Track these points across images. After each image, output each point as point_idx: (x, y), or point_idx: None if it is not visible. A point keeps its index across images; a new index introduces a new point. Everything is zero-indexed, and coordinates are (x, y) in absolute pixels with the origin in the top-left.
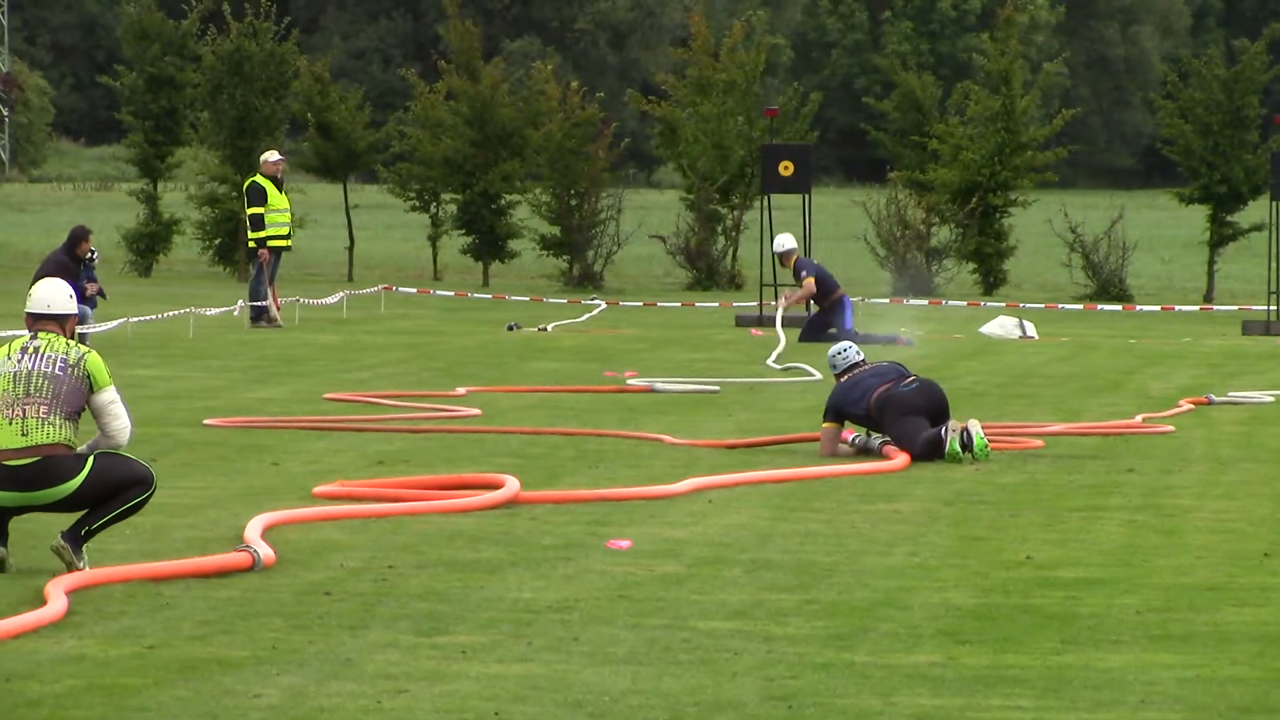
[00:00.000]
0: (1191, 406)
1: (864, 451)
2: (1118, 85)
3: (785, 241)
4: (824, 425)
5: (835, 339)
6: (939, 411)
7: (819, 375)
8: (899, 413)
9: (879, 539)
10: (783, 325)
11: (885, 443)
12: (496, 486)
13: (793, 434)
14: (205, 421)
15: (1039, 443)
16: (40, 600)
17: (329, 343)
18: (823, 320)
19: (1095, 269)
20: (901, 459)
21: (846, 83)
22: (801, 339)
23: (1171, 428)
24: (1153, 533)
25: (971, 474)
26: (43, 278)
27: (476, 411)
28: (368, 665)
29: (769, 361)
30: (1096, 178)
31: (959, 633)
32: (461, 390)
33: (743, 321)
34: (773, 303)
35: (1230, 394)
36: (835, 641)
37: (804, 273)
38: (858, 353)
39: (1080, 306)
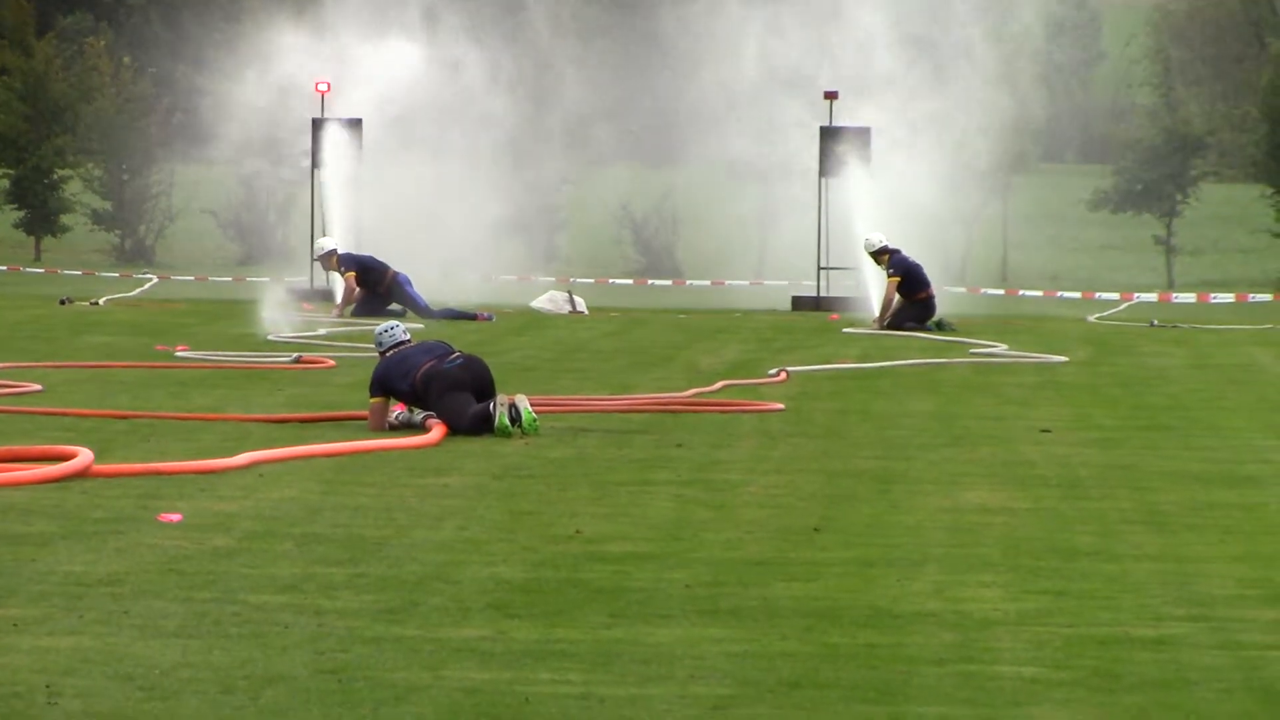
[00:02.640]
0: (785, 377)
1: (408, 426)
2: None
3: (325, 244)
4: (371, 400)
5: (391, 316)
6: (484, 387)
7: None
8: (444, 388)
9: (428, 513)
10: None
11: (429, 417)
12: (66, 458)
13: (343, 411)
14: None
15: (779, 405)
16: None
17: None
18: (383, 299)
19: (645, 245)
20: (438, 431)
21: None
22: (356, 314)
23: (781, 405)
24: (702, 507)
25: (521, 448)
26: None
27: (38, 387)
28: None
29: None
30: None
31: (508, 606)
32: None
33: (295, 295)
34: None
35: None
36: (385, 615)
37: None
38: (405, 332)
39: (631, 281)
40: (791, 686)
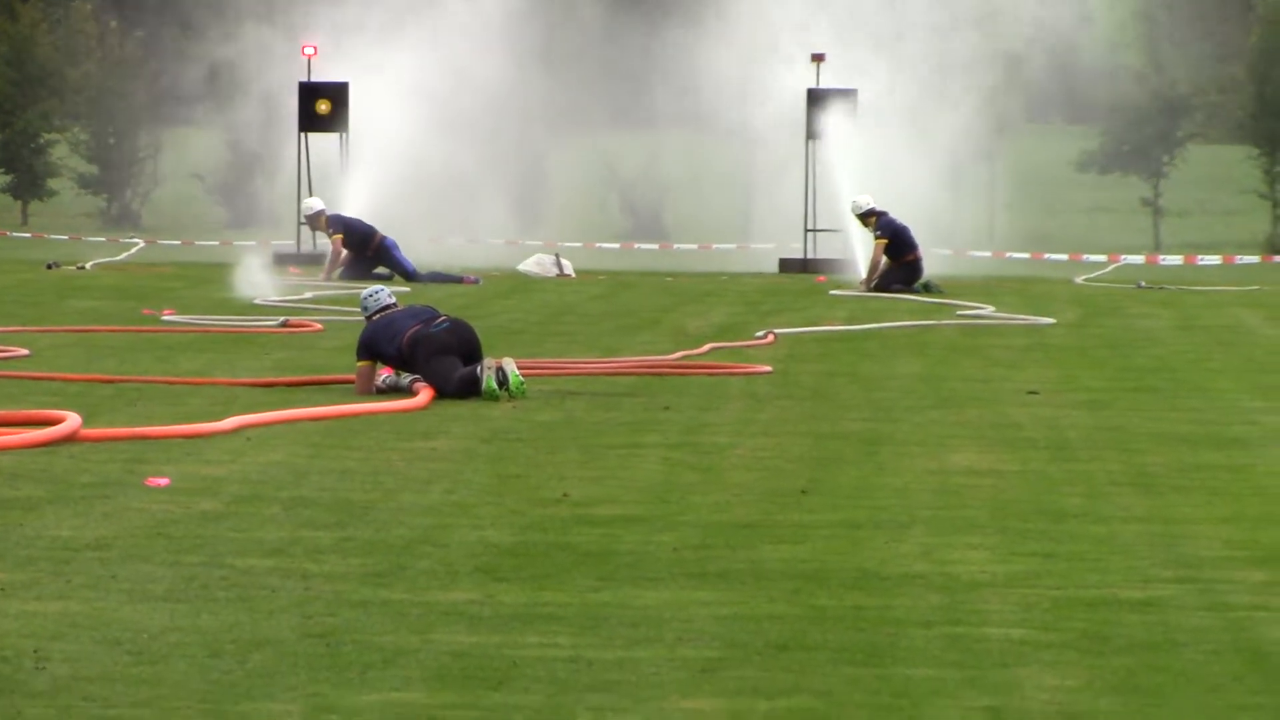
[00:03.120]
0: (772, 339)
1: (395, 390)
2: None
3: (313, 204)
4: (359, 364)
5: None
6: (471, 351)
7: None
8: (431, 352)
9: (416, 477)
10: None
11: (416, 380)
12: (54, 423)
13: (331, 374)
14: None
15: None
16: None
17: None
18: (370, 262)
19: (633, 209)
20: (425, 395)
21: None
22: (343, 278)
23: (769, 368)
24: (690, 470)
25: (508, 411)
26: None
27: (25, 351)
28: None
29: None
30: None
31: (496, 570)
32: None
33: (282, 259)
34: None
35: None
36: (372, 579)
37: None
38: (390, 295)
39: (618, 245)
40: (779, 649)
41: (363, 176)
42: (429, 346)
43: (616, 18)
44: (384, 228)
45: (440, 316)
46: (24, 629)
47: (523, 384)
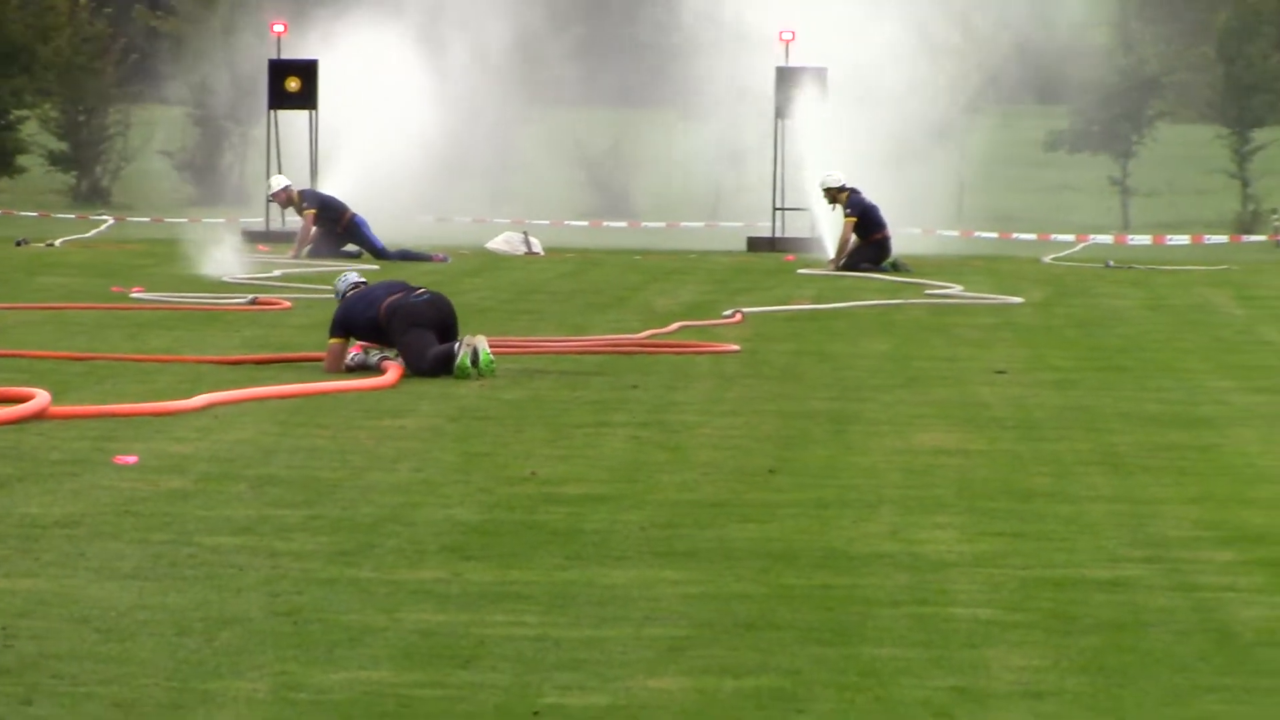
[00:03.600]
0: (740, 318)
1: (363, 368)
2: None
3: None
4: (330, 341)
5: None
6: (448, 326)
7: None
8: (408, 323)
9: (384, 455)
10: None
11: (384, 358)
12: (23, 400)
13: (299, 353)
14: None
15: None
16: None
17: None
18: (339, 239)
19: (601, 186)
20: (393, 373)
21: None
22: (311, 255)
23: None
24: (658, 449)
25: (477, 390)
26: None
27: None
28: None
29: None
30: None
31: (464, 549)
32: None
33: (251, 237)
34: None
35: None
36: (340, 558)
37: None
38: (358, 275)
39: (586, 223)
40: (746, 628)
41: (333, 153)
42: (407, 316)
43: None
44: (353, 205)
45: (420, 288)
46: None
47: (493, 362)
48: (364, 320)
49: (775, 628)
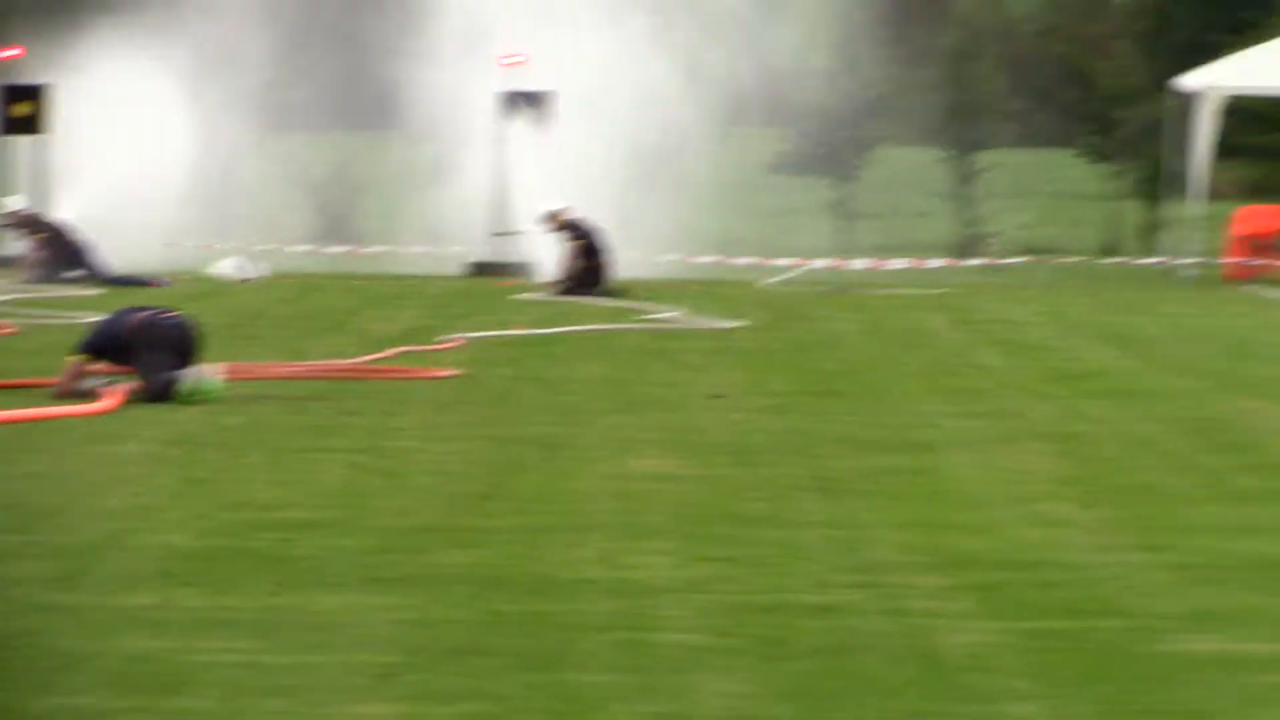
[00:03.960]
0: (460, 343)
1: (80, 395)
2: None
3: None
4: (72, 358)
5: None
6: (190, 351)
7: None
8: (154, 342)
9: (102, 481)
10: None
11: (102, 385)
12: None
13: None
14: None
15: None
16: None
17: None
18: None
19: (323, 211)
20: (113, 399)
21: None
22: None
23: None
24: (375, 474)
25: (197, 415)
26: None
27: None
28: None
29: None
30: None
31: (178, 574)
32: None
33: None
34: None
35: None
36: (56, 583)
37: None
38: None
39: (309, 248)
40: (457, 653)
41: (64, 179)
42: (156, 335)
43: (313, 18)
44: (83, 229)
45: (173, 312)
46: None
47: (216, 389)
48: (110, 337)
49: (485, 654)
